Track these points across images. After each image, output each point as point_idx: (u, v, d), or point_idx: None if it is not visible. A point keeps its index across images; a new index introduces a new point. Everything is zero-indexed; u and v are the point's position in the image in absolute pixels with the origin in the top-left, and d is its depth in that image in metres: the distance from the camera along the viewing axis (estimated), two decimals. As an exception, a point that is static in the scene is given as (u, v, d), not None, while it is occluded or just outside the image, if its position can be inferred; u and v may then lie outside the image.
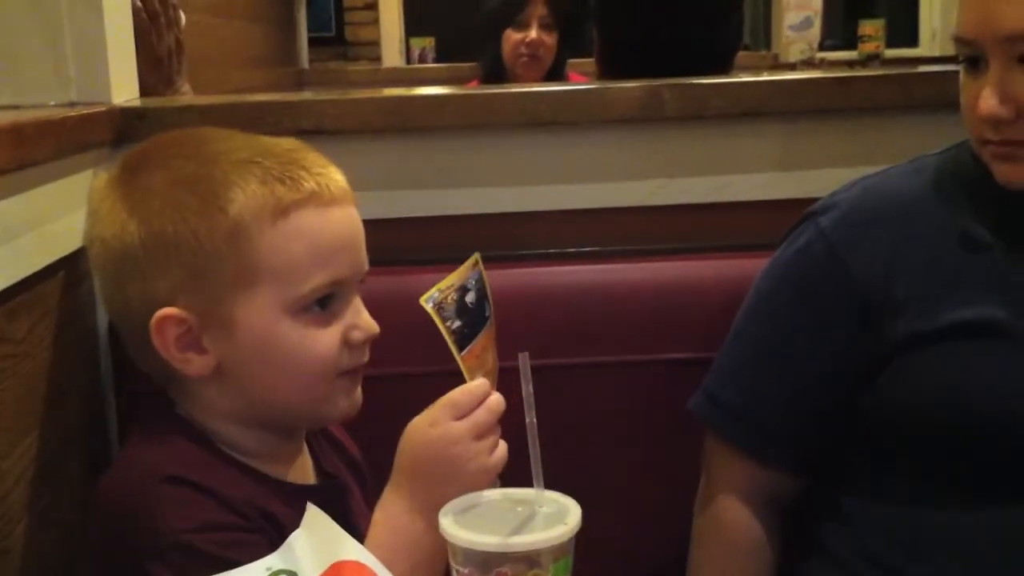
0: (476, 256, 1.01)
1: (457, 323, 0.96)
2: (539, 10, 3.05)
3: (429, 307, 0.94)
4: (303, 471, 1.09)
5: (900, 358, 1.12)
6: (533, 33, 3.04)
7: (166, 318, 0.97)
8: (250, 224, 0.96)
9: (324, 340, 0.99)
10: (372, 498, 1.03)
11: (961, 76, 1.10)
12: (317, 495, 0.96)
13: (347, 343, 1.00)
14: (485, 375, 1.00)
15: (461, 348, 0.96)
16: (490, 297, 1.01)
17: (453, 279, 0.97)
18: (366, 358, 1.03)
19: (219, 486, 0.94)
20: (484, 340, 1.00)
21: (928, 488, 1.12)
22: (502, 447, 0.98)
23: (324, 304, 0.99)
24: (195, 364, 0.98)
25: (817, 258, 1.17)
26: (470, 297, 0.98)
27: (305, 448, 1.10)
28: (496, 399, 0.98)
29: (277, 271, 0.96)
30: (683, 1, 1.70)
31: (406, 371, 1.28)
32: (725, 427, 1.22)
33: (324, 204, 0.99)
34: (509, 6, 3.07)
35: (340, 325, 1.00)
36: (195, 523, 0.91)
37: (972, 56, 1.07)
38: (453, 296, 0.96)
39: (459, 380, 0.99)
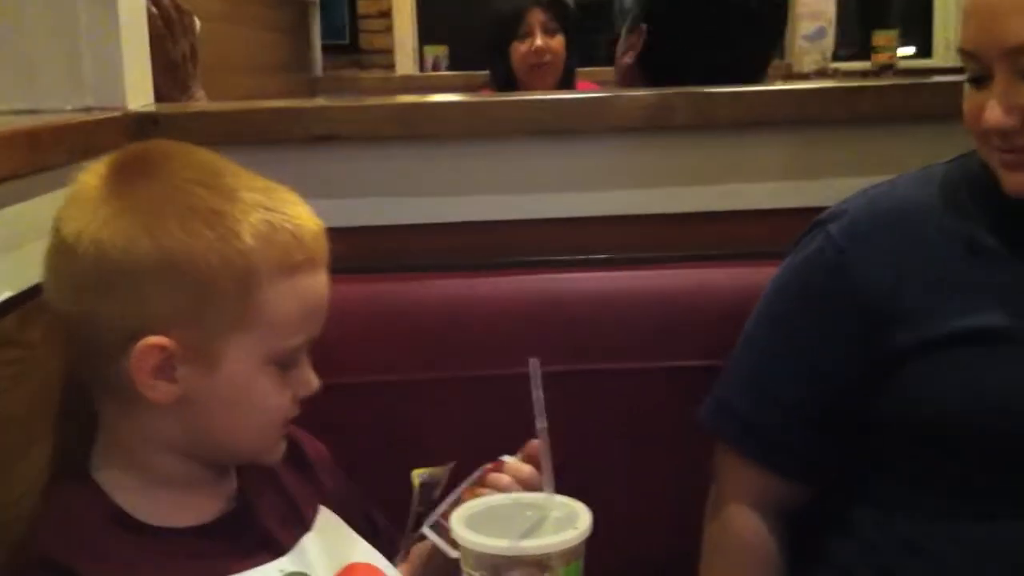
0: (452, 464, 1.13)
1: (420, 508, 1.09)
2: (539, 16, 3.03)
3: (416, 483, 1.11)
4: (219, 495, 1.07)
5: (907, 366, 1.11)
6: (538, 40, 3.04)
7: (154, 346, 0.95)
8: (262, 273, 0.96)
9: (285, 393, 1.01)
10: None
11: (965, 87, 1.10)
12: (215, 531, 1.00)
13: (294, 398, 1.03)
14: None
15: (416, 528, 1.08)
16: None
17: (439, 473, 1.12)
18: (298, 411, 1.06)
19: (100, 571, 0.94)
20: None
21: (936, 497, 1.12)
22: None
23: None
24: (160, 391, 0.96)
25: (825, 265, 1.17)
26: (437, 492, 1.11)
27: (232, 472, 1.09)
28: None
29: (273, 323, 0.98)
30: (745, 27, 1.70)
31: (417, 377, 1.30)
32: (733, 434, 1.22)
33: (316, 267, 1.01)
34: (508, 20, 3.07)
35: (295, 380, 1.02)
36: None
37: (977, 71, 1.08)
38: (434, 485, 1.11)
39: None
